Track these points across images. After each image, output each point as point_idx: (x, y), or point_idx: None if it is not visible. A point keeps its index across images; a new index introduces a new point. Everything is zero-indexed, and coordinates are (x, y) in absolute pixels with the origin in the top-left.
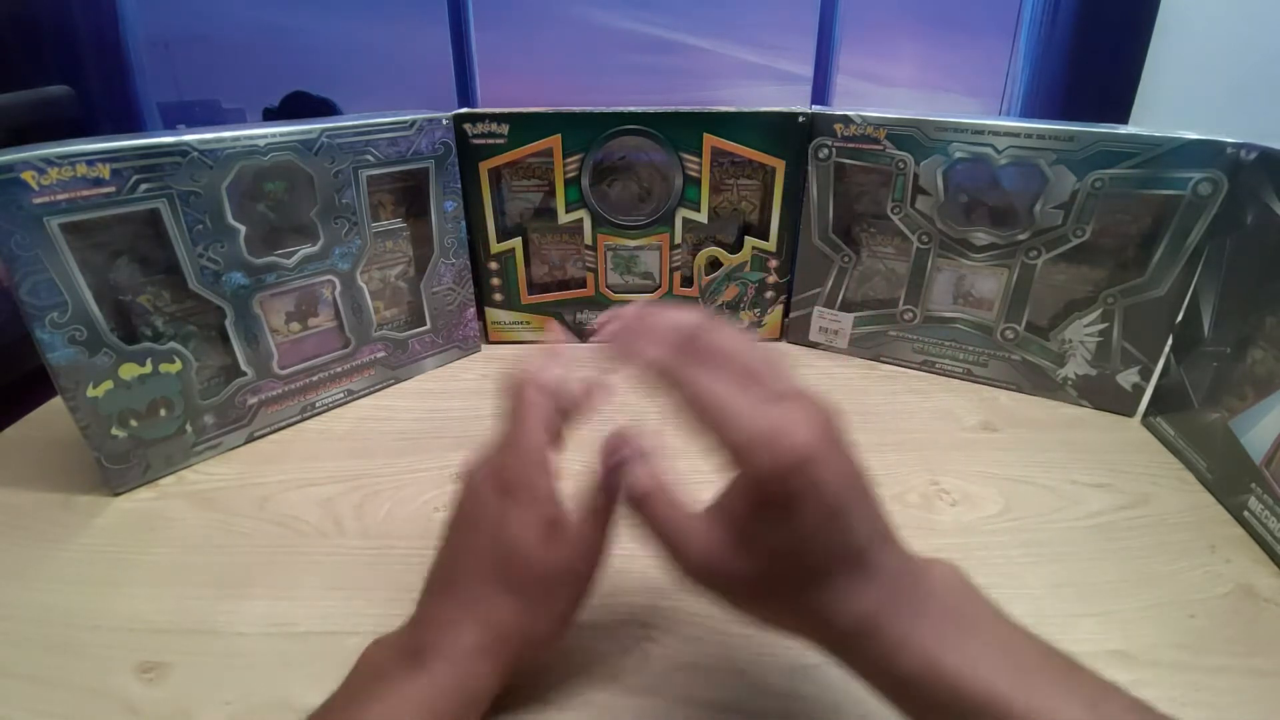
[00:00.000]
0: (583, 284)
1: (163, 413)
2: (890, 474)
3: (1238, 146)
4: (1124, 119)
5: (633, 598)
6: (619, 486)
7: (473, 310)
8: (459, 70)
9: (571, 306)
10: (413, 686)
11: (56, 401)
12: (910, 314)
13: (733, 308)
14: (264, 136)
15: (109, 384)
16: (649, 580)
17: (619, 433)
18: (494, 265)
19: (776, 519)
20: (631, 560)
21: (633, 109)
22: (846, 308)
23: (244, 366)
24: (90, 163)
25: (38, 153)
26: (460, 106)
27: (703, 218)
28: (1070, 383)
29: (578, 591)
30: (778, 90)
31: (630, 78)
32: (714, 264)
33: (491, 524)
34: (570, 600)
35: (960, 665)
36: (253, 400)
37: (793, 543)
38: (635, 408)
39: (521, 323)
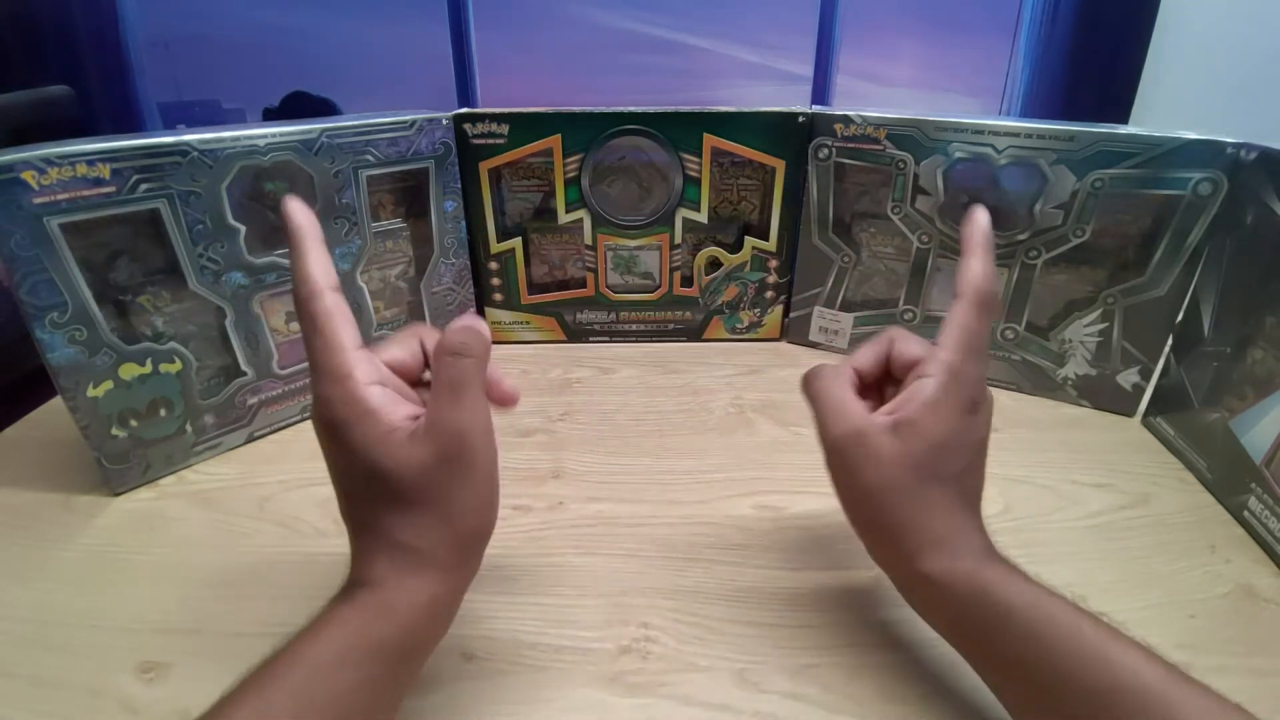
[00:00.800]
0: (583, 284)
1: (163, 413)
2: None
3: (1238, 146)
4: (1124, 119)
5: (633, 598)
6: (471, 355)
7: (473, 310)
8: (459, 70)
9: (571, 306)
10: (340, 615)
11: (56, 401)
12: (910, 314)
13: (733, 308)
14: (264, 136)
15: (109, 384)
16: (649, 580)
17: None
18: (494, 265)
19: (949, 419)
20: (631, 560)
21: (633, 109)
22: (846, 308)
23: (244, 366)
24: (90, 163)
25: (38, 153)
26: (460, 106)
27: (703, 218)
28: (1070, 383)
29: (469, 478)
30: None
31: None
32: (714, 264)
33: (340, 460)
34: (463, 490)
35: (1022, 587)
36: (253, 400)
37: (947, 440)
38: (634, 408)
39: (522, 323)
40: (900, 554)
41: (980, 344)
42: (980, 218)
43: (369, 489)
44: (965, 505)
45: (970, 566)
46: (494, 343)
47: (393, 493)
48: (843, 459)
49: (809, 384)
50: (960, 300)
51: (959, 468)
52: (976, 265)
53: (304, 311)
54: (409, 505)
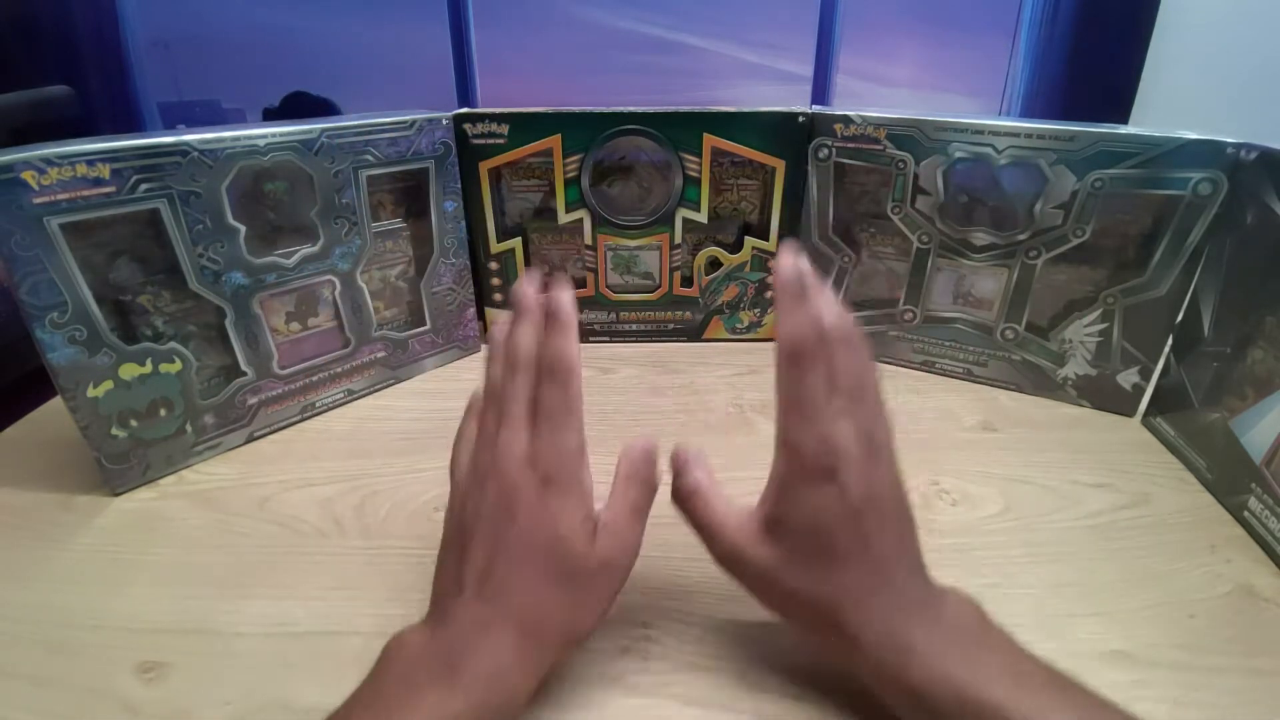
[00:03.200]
0: (583, 284)
1: (163, 413)
2: None
3: (1238, 146)
4: (1124, 119)
5: (633, 598)
6: (656, 485)
7: (473, 310)
8: (459, 70)
9: None
10: (447, 705)
11: (56, 401)
12: (910, 314)
13: (733, 308)
14: (264, 136)
15: (109, 384)
16: (649, 580)
17: (679, 446)
18: (494, 265)
19: (806, 501)
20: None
21: (633, 109)
22: (846, 308)
23: (244, 366)
24: (90, 163)
25: (38, 153)
26: (460, 106)
27: (703, 218)
28: (1070, 383)
29: (613, 586)
30: (778, 90)
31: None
32: (714, 264)
33: (534, 514)
34: (606, 594)
35: (966, 676)
36: (253, 400)
37: (816, 524)
38: (634, 407)
39: None
40: (848, 659)
41: (806, 402)
42: (784, 264)
43: (541, 554)
44: (873, 584)
45: (899, 663)
46: None
47: (565, 570)
48: (739, 578)
49: (681, 508)
50: (777, 362)
51: (851, 543)
52: (782, 318)
53: (568, 386)
54: (565, 585)
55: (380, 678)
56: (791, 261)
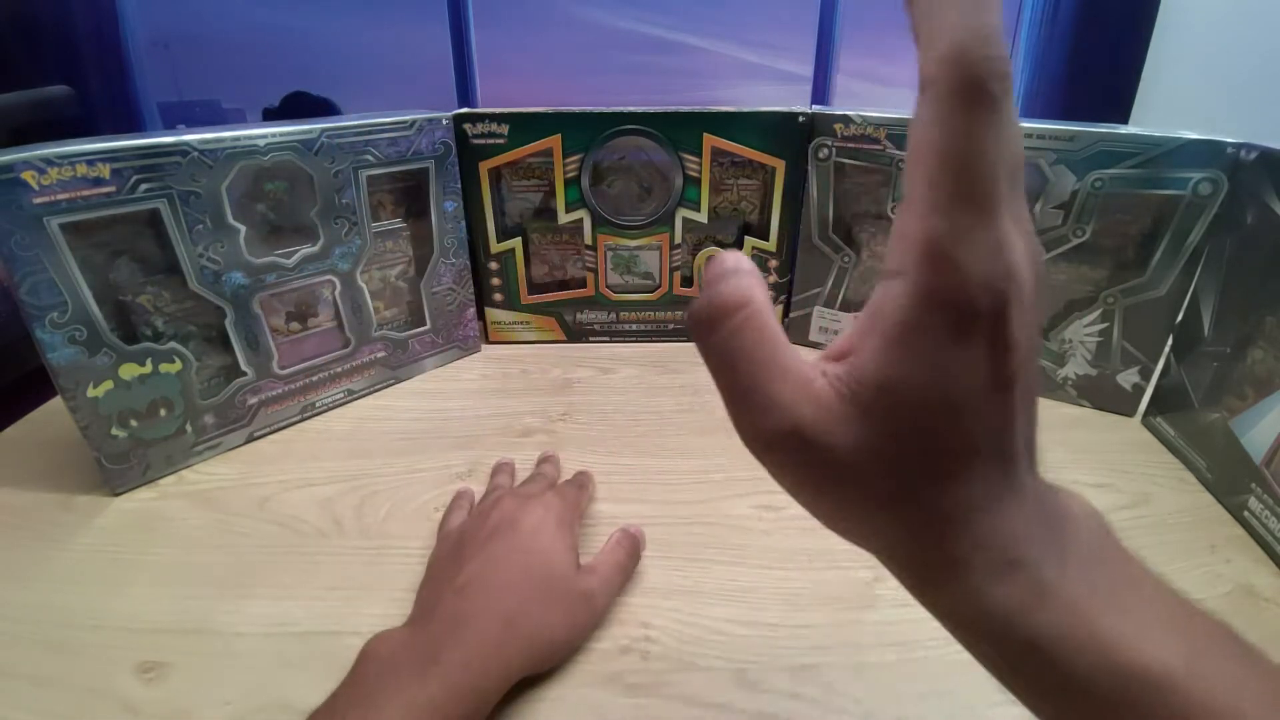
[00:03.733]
0: (583, 284)
1: (163, 413)
2: None
3: (1238, 146)
4: (1124, 119)
5: (633, 598)
6: (640, 554)
7: (473, 310)
8: (459, 70)
9: (571, 306)
10: (424, 690)
11: (56, 401)
12: None
13: None
14: (264, 136)
15: (109, 384)
16: (649, 580)
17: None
18: (494, 265)
19: (944, 358)
20: None
21: (633, 109)
22: (846, 308)
23: (244, 366)
24: (90, 163)
25: (38, 153)
26: (460, 106)
27: (703, 218)
28: (1070, 383)
29: (589, 619)
30: (778, 90)
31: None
32: None
33: (547, 544)
34: (582, 622)
35: (1118, 631)
36: (253, 400)
37: (951, 398)
38: (634, 407)
39: (522, 323)
40: (937, 594)
41: (984, 179)
42: None
43: (540, 572)
44: (998, 491)
45: (1008, 602)
46: (494, 342)
47: (554, 589)
48: (780, 467)
49: (708, 337)
50: (923, 96)
51: (986, 434)
52: (942, 16)
53: (585, 486)
54: (549, 599)
55: (361, 672)
56: None
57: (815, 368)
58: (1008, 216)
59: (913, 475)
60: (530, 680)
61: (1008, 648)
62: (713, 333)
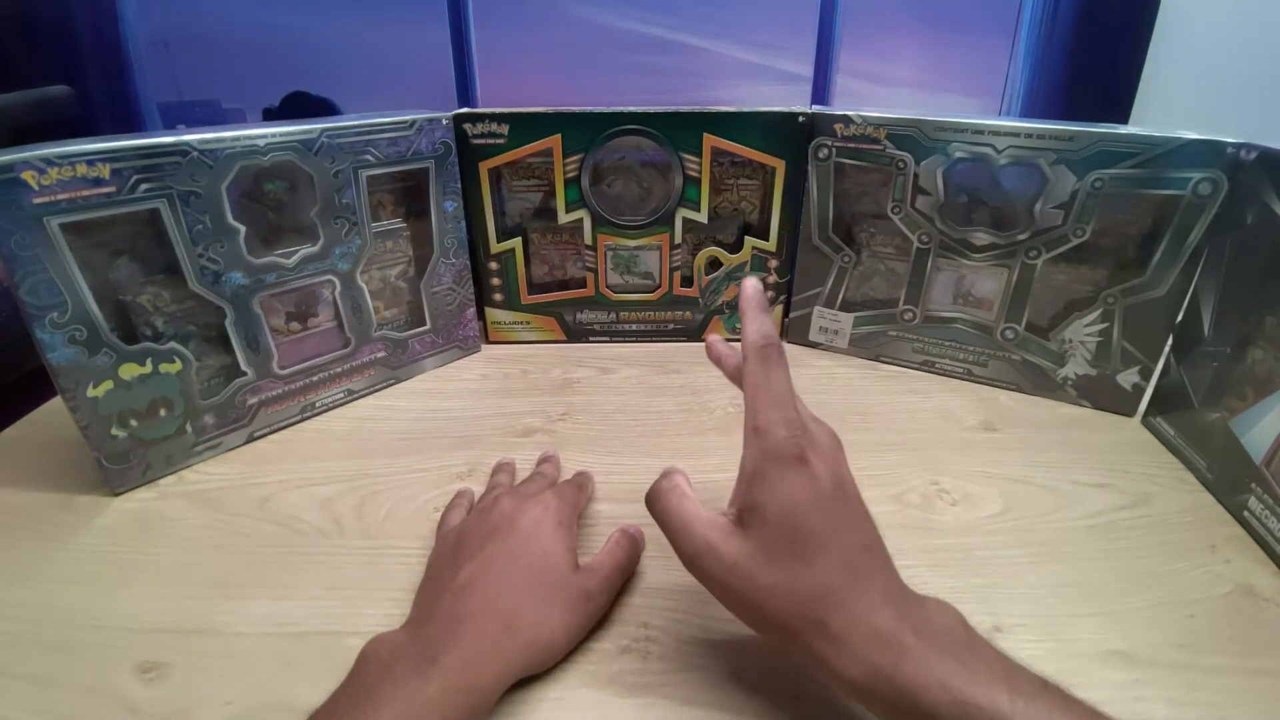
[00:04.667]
0: (583, 284)
1: (163, 413)
2: (890, 474)
3: (1238, 146)
4: (1124, 119)
5: (633, 598)
6: (641, 551)
7: (473, 310)
8: (459, 70)
9: (571, 306)
10: (422, 690)
11: (56, 401)
12: (910, 314)
13: (733, 308)
14: (264, 136)
15: (109, 384)
16: (649, 580)
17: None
18: (494, 265)
19: (780, 485)
20: None
21: (633, 109)
22: (846, 308)
23: (244, 366)
24: (90, 163)
25: (38, 153)
26: (460, 106)
27: (703, 218)
28: (1070, 383)
29: (585, 618)
30: (778, 90)
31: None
32: (714, 264)
33: (545, 544)
34: (579, 620)
35: (962, 680)
36: (253, 400)
37: (792, 508)
38: (634, 407)
39: (522, 323)
40: (831, 662)
41: (776, 391)
42: (748, 287)
43: (538, 570)
44: (854, 577)
45: (890, 663)
46: (494, 342)
47: (550, 584)
48: (705, 577)
49: (653, 508)
50: (745, 361)
51: (827, 529)
52: (750, 325)
53: (584, 485)
54: (546, 596)
55: (360, 673)
56: (755, 281)
57: (716, 513)
58: (799, 408)
59: (786, 563)
60: (530, 680)
61: (888, 697)
62: (656, 502)
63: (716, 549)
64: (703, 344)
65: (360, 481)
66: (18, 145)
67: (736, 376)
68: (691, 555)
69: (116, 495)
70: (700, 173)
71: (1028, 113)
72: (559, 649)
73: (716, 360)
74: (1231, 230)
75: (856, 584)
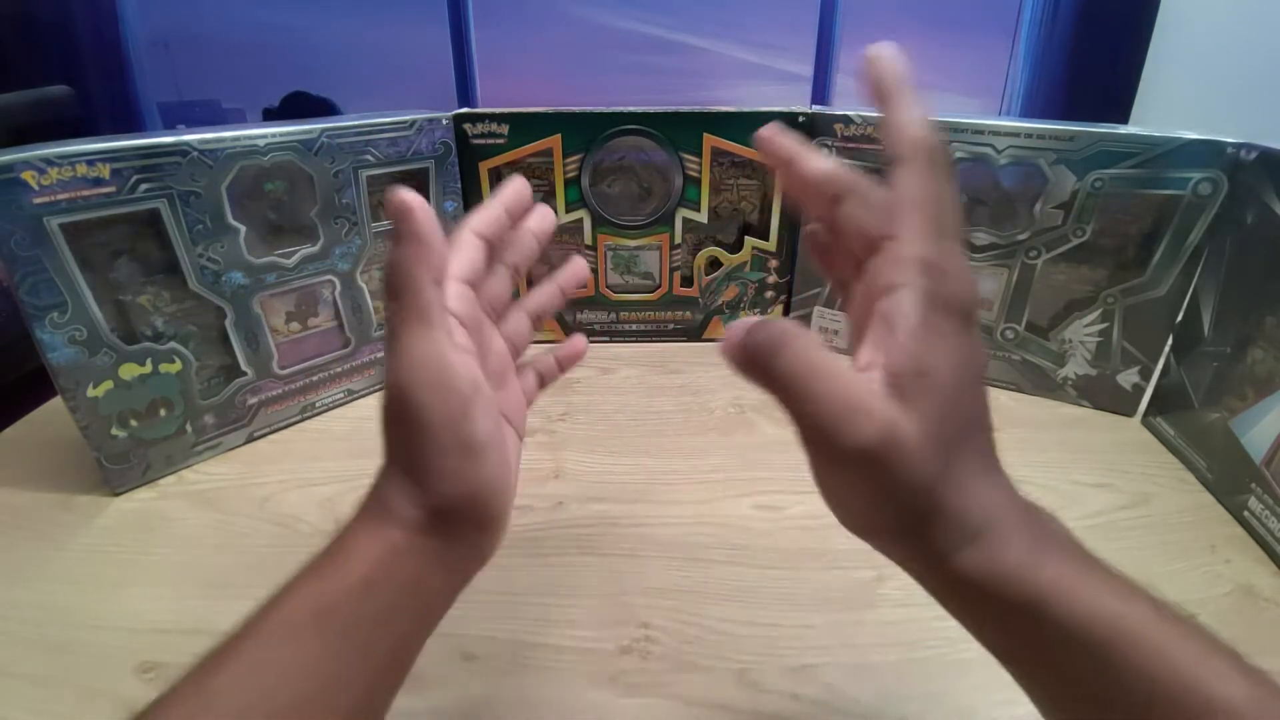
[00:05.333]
0: (583, 284)
1: (163, 413)
2: None
3: (1238, 146)
4: (1124, 119)
5: (633, 598)
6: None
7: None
8: (459, 70)
9: (571, 306)
10: (300, 578)
11: (56, 401)
12: None
13: (733, 308)
14: (264, 136)
15: (109, 384)
16: (649, 580)
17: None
18: None
19: (953, 343)
20: (631, 560)
21: (633, 109)
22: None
23: (244, 366)
24: (90, 163)
25: (38, 153)
26: (460, 106)
27: (703, 218)
28: (1070, 383)
29: (418, 428)
30: (778, 90)
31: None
32: (714, 264)
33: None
34: (422, 441)
35: (1098, 595)
36: (253, 400)
37: (964, 374)
38: (634, 407)
39: None
40: (931, 555)
41: (951, 220)
42: (882, 52)
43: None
44: (990, 465)
45: (1017, 562)
46: None
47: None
48: (870, 470)
49: (777, 357)
50: (905, 165)
51: (976, 410)
52: (908, 112)
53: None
54: (385, 452)
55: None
56: (888, 48)
57: (849, 366)
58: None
59: (946, 446)
60: (530, 680)
61: (1016, 603)
62: (781, 353)
63: (900, 443)
64: (703, 344)
65: (360, 481)
66: (18, 145)
67: (822, 180)
68: (866, 447)
69: (116, 495)
70: (700, 173)
71: (1028, 113)
72: (453, 484)
73: (773, 151)
74: (1231, 230)
75: (992, 470)
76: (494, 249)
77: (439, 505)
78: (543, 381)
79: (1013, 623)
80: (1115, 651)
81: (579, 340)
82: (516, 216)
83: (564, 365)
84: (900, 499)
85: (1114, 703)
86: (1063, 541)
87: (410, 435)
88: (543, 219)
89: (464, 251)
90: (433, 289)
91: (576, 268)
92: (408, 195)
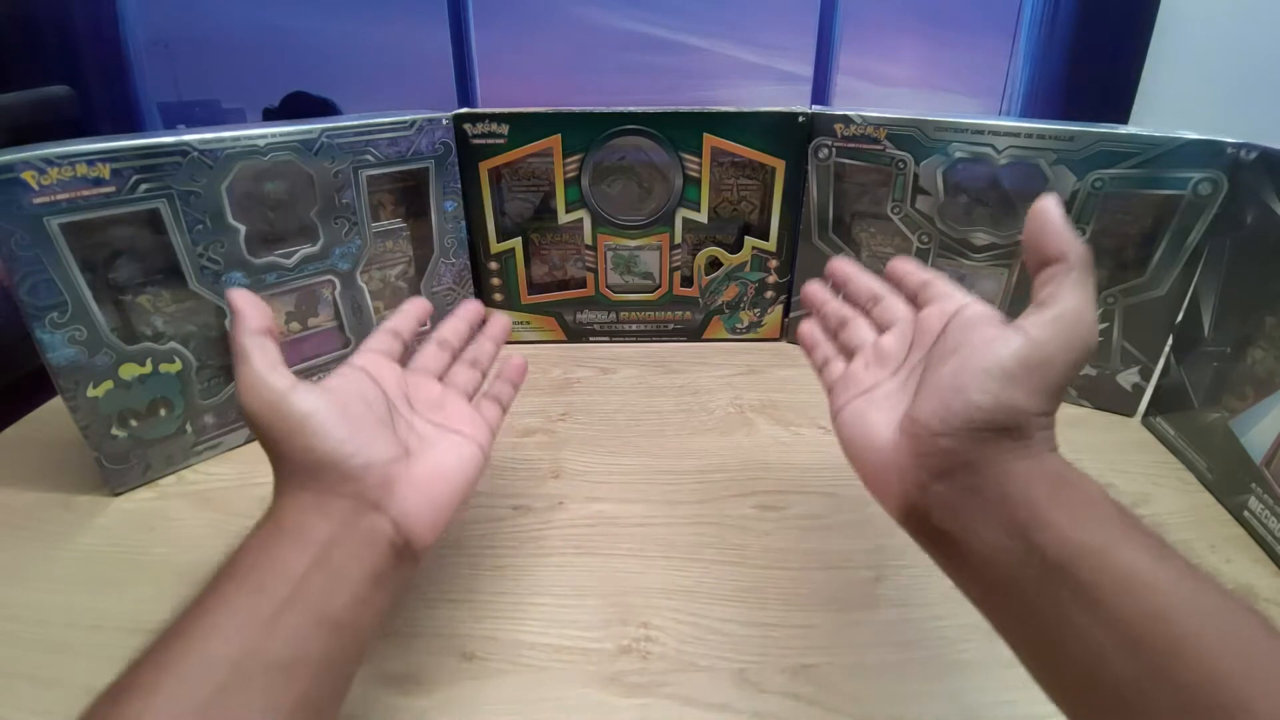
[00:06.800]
0: (583, 284)
1: (163, 413)
2: None
3: (1238, 146)
4: (1124, 119)
5: (633, 598)
6: None
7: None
8: (459, 70)
9: (571, 306)
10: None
11: (56, 401)
12: None
13: (733, 308)
14: (264, 136)
15: (109, 384)
16: (649, 580)
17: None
18: (494, 265)
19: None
20: (631, 560)
21: (633, 109)
22: None
23: None
24: (90, 163)
25: (38, 153)
26: (460, 106)
27: (703, 218)
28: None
29: (277, 440)
30: (778, 90)
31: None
32: (714, 264)
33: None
34: (288, 445)
35: (1141, 557)
36: None
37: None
38: (634, 407)
39: (522, 323)
40: (1023, 448)
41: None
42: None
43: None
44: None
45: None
46: None
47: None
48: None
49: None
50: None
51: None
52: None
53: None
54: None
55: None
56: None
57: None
58: None
59: (1063, 368)
60: (530, 680)
61: (998, 522)
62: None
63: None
64: (703, 344)
65: None
66: (18, 145)
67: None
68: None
69: (116, 495)
70: (700, 173)
71: (1028, 112)
72: (327, 470)
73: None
74: (1231, 230)
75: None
76: (454, 350)
77: (293, 471)
78: (501, 403)
79: (1052, 579)
80: (1150, 631)
81: (518, 359)
82: (473, 326)
83: (515, 383)
84: (1049, 390)
85: (1143, 686)
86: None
87: (259, 436)
88: (500, 328)
89: (379, 338)
90: (246, 339)
91: (513, 367)
92: (237, 296)
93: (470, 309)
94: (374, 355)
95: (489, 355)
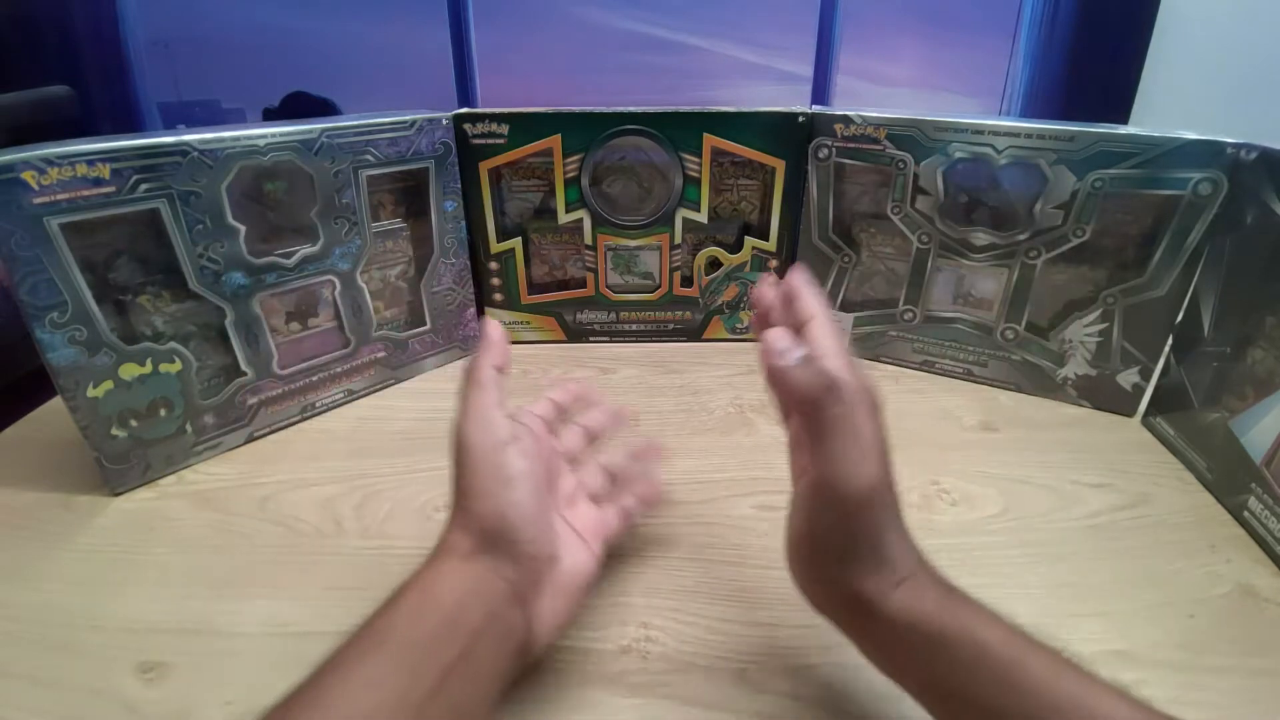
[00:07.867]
0: (583, 284)
1: (163, 413)
2: None
3: (1238, 146)
4: (1124, 119)
5: (633, 598)
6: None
7: (473, 310)
8: (459, 70)
9: (571, 306)
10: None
11: (56, 401)
12: (910, 314)
13: (733, 308)
14: (264, 136)
15: (109, 384)
16: (649, 580)
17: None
18: (494, 265)
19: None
20: (631, 560)
21: (633, 109)
22: (846, 308)
23: (244, 366)
24: (90, 163)
25: (38, 153)
26: (460, 106)
27: (703, 218)
28: (1070, 383)
29: (467, 462)
30: (778, 90)
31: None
32: (714, 264)
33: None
34: (468, 471)
35: (966, 611)
36: (253, 400)
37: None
38: (635, 407)
39: (522, 323)
40: (876, 596)
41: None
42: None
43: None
44: (901, 521)
45: (936, 603)
46: None
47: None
48: (870, 504)
49: (832, 406)
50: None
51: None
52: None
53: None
54: (451, 501)
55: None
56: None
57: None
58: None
59: (889, 496)
60: (530, 680)
61: (930, 639)
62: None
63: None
64: (703, 344)
65: (360, 481)
66: (18, 145)
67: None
68: (873, 485)
69: (116, 495)
70: (700, 173)
71: (1028, 113)
72: (487, 503)
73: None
74: (1231, 230)
75: (904, 527)
76: (562, 410)
77: (478, 525)
78: (627, 517)
79: (931, 655)
80: (1015, 674)
81: (655, 485)
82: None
83: (649, 502)
84: (871, 538)
85: (1014, 717)
86: (957, 588)
87: (461, 463)
88: (612, 419)
89: (541, 405)
90: (489, 370)
91: (649, 488)
92: (492, 328)
93: (590, 393)
94: (541, 424)
95: (599, 426)
